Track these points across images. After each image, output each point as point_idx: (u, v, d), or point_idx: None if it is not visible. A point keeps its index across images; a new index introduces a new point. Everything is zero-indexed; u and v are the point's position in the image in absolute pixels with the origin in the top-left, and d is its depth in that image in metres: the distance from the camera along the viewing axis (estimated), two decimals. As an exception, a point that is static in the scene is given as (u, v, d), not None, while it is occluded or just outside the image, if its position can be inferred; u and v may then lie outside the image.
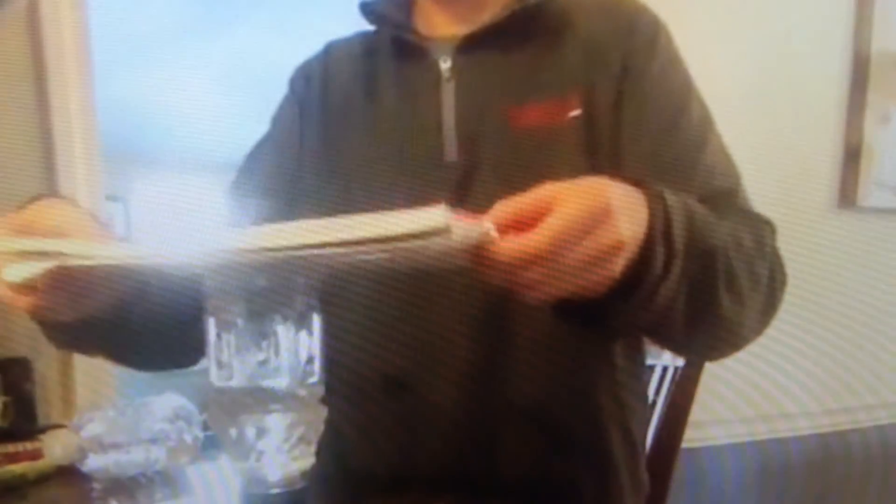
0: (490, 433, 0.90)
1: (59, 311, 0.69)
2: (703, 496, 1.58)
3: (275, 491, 0.64)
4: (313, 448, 0.66)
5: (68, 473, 1.31)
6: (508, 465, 0.91)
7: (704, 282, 0.71)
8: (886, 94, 2.11)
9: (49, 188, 1.75)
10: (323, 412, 0.67)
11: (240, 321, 0.62)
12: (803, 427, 1.81)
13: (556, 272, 0.59)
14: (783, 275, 0.84)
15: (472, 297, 0.87)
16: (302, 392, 0.64)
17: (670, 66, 0.94)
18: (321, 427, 0.67)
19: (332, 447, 0.92)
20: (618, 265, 0.62)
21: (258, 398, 0.63)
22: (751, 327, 0.80)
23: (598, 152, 0.89)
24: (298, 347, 0.64)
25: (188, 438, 1.33)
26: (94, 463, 1.26)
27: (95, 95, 1.81)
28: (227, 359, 0.63)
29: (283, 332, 0.63)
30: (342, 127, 0.98)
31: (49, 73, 1.74)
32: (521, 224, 0.59)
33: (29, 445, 1.44)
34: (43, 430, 1.43)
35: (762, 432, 1.77)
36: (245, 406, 0.63)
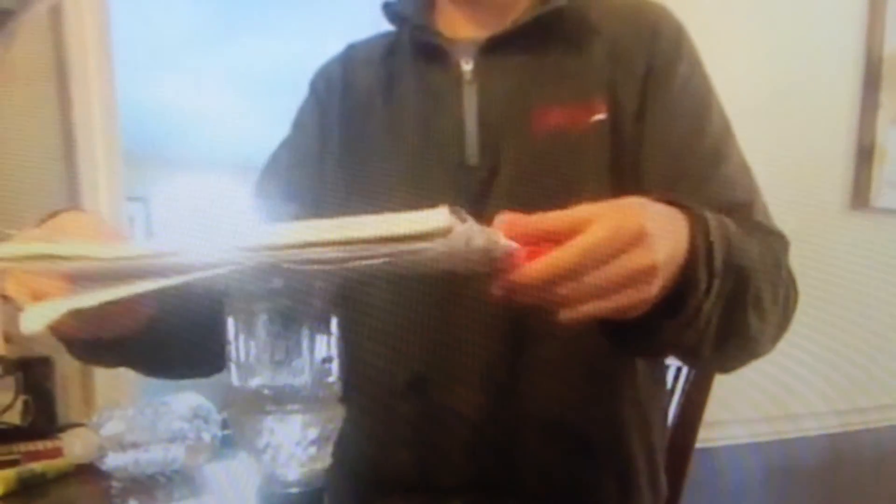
0: (510, 437, 0.90)
1: (82, 331, 0.68)
2: (715, 496, 1.58)
3: (293, 490, 0.64)
4: (331, 448, 0.66)
5: (88, 472, 1.31)
6: (528, 470, 0.91)
7: (736, 301, 0.71)
8: (899, 95, 2.11)
9: (71, 188, 1.76)
10: (341, 411, 0.67)
11: (259, 321, 0.62)
12: (815, 427, 1.80)
13: (586, 292, 0.59)
14: (797, 292, 0.84)
15: (493, 304, 0.85)
16: (320, 392, 0.64)
17: (693, 71, 0.93)
18: (339, 426, 0.67)
19: (352, 448, 0.94)
20: (653, 288, 0.61)
21: (277, 398, 0.63)
22: (766, 342, 0.81)
23: (622, 157, 0.89)
24: (317, 347, 0.64)
25: (206, 437, 1.34)
26: (113, 461, 1.27)
27: (117, 97, 1.82)
28: (247, 359, 0.63)
29: (303, 331, 0.63)
30: (363, 128, 0.98)
31: (71, 75, 1.75)
32: (553, 241, 0.59)
33: (49, 444, 1.44)
34: (63, 429, 1.44)
35: (776, 432, 1.76)
36: (264, 405, 0.63)
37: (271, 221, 0.62)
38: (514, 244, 0.59)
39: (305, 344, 0.64)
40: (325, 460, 0.66)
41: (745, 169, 0.92)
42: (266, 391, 0.63)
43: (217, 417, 1.36)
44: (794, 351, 1.62)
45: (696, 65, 0.94)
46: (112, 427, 1.28)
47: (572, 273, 0.58)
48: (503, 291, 0.60)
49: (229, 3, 2.97)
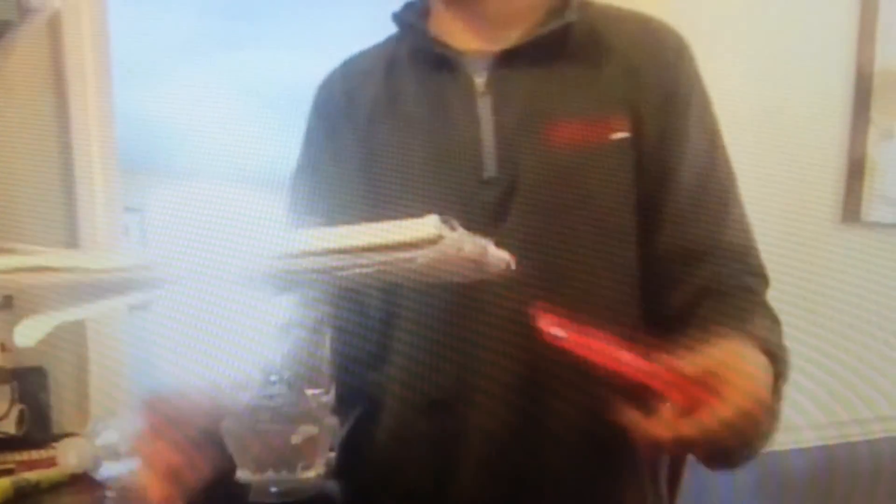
0: (531, 456, 0.89)
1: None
2: (709, 508, 1.58)
3: (284, 501, 0.64)
4: (323, 459, 0.67)
5: (82, 481, 1.31)
6: (548, 487, 0.91)
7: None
8: (889, 110, 2.12)
9: (68, 199, 1.76)
10: (334, 422, 0.68)
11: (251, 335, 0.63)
12: (808, 439, 1.81)
13: (711, 449, 0.69)
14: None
15: (517, 320, 0.85)
16: (312, 404, 0.65)
17: (705, 100, 0.95)
18: (331, 438, 0.68)
19: (372, 463, 0.95)
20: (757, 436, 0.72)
21: (268, 411, 0.64)
22: None
23: (644, 178, 0.90)
24: (308, 360, 0.64)
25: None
26: (108, 471, 1.27)
27: (114, 108, 1.82)
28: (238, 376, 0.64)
29: (294, 344, 0.63)
30: (371, 144, 0.96)
31: (69, 85, 1.75)
32: (686, 389, 0.67)
33: (43, 453, 1.44)
34: (57, 439, 1.44)
35: (770, 444, 1.76)
36: (255, 418, 0.64)
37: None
38: (504, 255, 0.61)
39: (297, 357, 0.64)
40: (317, 470, 0.66)
41: (743, 209, 0.95)
42: (259, 406, 0.64)
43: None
44: (785, 364, 1.62)
45: (704, 92, 0.96)
46: (107, 437, 1.28)
47: (707, 441, 0.67)
48: (648, 444, 0.69)
49: (228, 14, 2.97)
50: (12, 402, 1.61)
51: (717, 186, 0.93)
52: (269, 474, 0.63)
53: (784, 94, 1.92)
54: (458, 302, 0.86)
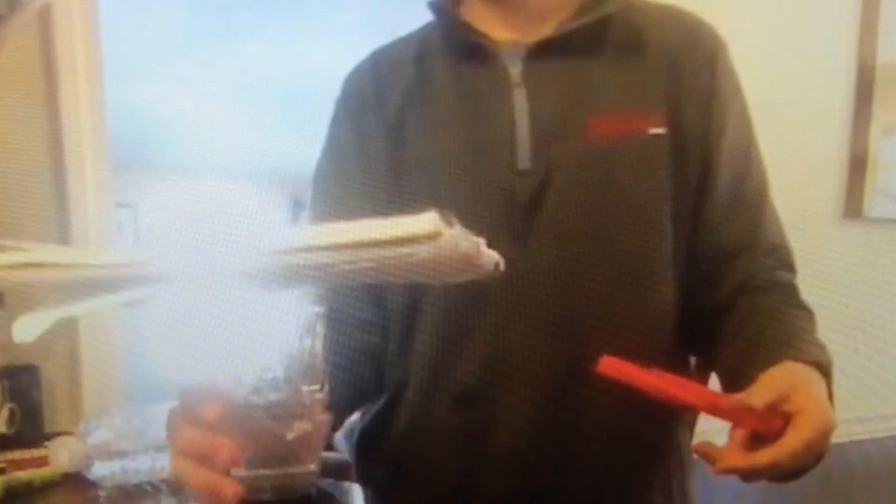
0: (560, 451, 0.90)
1: None
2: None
3: (277, 497, 0.64)
4: (316, 455, 0.66)
5: (75, 481, 1.31)
6: (577, 483, 0.91)
7: None
8: (891, 105, 2.11)
9: (59, 195, 1.75)
10: (328, 419, 0.66)
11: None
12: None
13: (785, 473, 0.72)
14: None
15: (547, 314, 0.87)
16: (307, 400, 0.64)
17: (743, 99, 0.96)
18: (325, 434, 0.66)
19: (402, 455, 0.96)
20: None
21: (266, 408, 0.63)
22: None
23: (683, 174, 0.90)
24: (302, 356, 0.64)
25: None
26: (100, 470, 1.26)
27: (106, 103, 1.81)
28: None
29: (291, 341, 0.63)
30: (402, 134, 0.95)
31: (60, 79, 1.74)
32: (758, 420, 0.70)
33: (35, 452, 1.44)
34: (49, 437, 1.43)
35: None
36: (253, 416, 0.62)
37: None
38: (495, 255, 0.61)
39: (292, 353, 0.63)
40: (311, 466, 0.65)
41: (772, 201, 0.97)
42: (250, 401, 0.63)
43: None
44: (786, 361, 1.61)
45: (740, 89, 0.96)
46: (99, 435, 1.28)
47: (777, 469, 0.70)
48: (723, 473, 0.70)
49: (220, 8, 2.96)
50: (4, 401, 1.61)
51: (753, 184, 0.94)
52: (264, 471, 0.63)
53: (785, 89, 1.91)
54: (486, 294, 0.86)
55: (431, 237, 0.53)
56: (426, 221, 0.53)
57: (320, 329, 0.65)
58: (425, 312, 0.91)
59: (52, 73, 1.75)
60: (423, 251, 0.54)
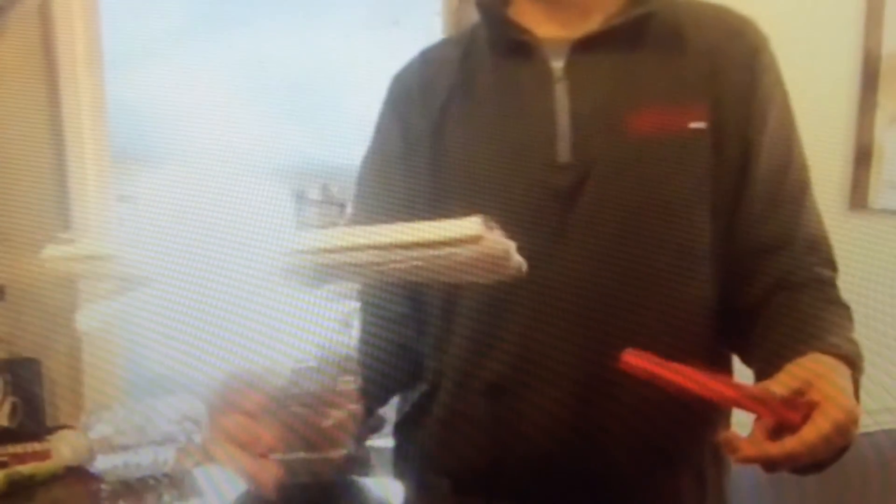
0: (590, 443, 0.90)
1: None
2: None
3: (311, 479, 0.67)
4: (348, 441, 0.68)
5: (77, 474, 1.31)
6: (608, 474, 0.91)
7: None
8: (897, 95, 2.11)
9: (59, 188, 1.75)
10: (360, 410, 0.69)
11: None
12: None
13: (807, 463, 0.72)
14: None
15: (583, 307, 0.88)
16: (343, 390, 0.66)
17: (785, 94, 0.97)
18: (356, 420, 0.69)
19: (428, 445, 0.99)
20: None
21: (304, 397, 0.65)
22: None
23: (723, 169, 0.91)
24: (340, 348, 0.66)
25: (197, 440, 1.33)
26: (102, 464, 1.26)
27: (106, 95, 1.81)
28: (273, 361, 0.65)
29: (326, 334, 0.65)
30: (445, 129, 0.97)
31: (60, 72, 1.74)
32: (780, 410, 0.72)
33: (37, 446, 1.44)
34: (51, 431, 1.44)
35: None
36: (292, 404, 0.65)
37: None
38: (520, 259, 0.63)
39: (327, 345, 0.65)
40: (340, 452, 0.67)
41: (814, 195, 0.97)
42: (289, 389, 0.65)
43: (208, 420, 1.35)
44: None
45: (783, 84, 0.97)
46: (101, 429, 1.28)
47: (803, 456, 0.70)
48: (742, 462, 0.72)
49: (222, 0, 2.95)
50: (5, 395, 1.60)
51: (793, 179, 0.95)
52: (300, 455, 0.65)
53: (790, 79, 1.90)
54: (521, 287, 0.84)
55: (474, 240, 0.56)
56: (470, 225, 0.57)
57: (355, 323, 0.67)
58: (461, 306, 0.93)
59: (53, 65, 1.74)
60: (464, 253, 0.57)
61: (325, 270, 0.60)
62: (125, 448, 1.27)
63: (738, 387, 0.75)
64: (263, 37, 3.21)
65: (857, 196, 2.09)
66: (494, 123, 0.95)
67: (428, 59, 1.05)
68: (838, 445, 0.73)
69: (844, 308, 0.92)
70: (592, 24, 0.94)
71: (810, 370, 0.75)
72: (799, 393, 0.72)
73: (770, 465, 0.71)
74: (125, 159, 1.90)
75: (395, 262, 0.57)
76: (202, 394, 0.70)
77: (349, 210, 1.06)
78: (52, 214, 1.76)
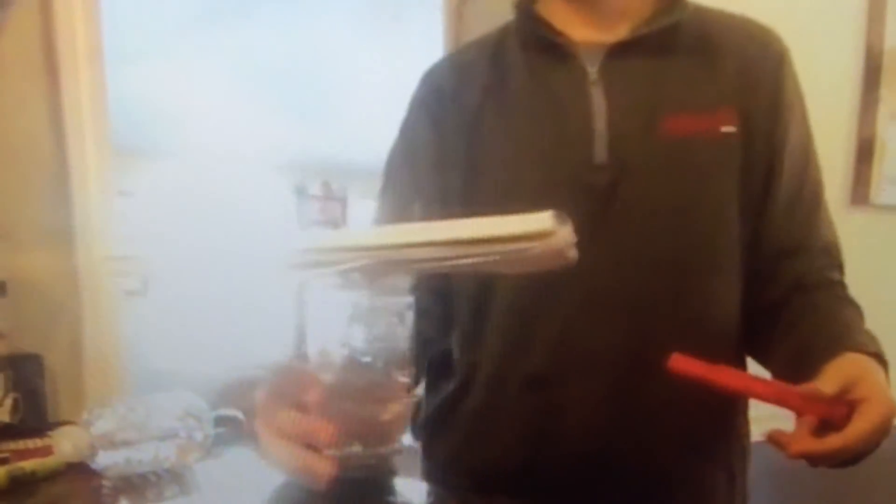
0: (626, 436, 0.92)
1: None
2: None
3: (369, 476, 0.66)
4: (402, 435, 0.67)
5: (78, 470, 1.31)
6: (646, 469, 0.94)
7: None
8: (899, 90, 2.10)
9: (60, 182, 1.75)
10: (412, 403, 0.69)
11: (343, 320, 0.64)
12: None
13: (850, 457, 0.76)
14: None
15: (616, 305, 0.91)
16: (397, 384, 0.66)
17: (802, 101, 1.00)
18: (409, 416, 0.68)
19: (465, 438, 1.01)
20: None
21: (359, 391, 0.64)
22: None
23: (751, 172, 0.94)
24: (395, 343, 0.65)
25: (198, 436, 1.33)
26: (104, 460, 1.26)
27: (107, 89, 1.81)
28: (327, 355, 0.64)
29: (382, 328, 0.64)
30: (480, 130, 0.99)
31: (61, 66, 1.74)
32: (826, 408, 0.75)
33: (39, 442, 1.44)
34: (53, 427, 1.43)
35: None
36: (346, 398, 0.64)
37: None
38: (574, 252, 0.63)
39: (383, 339, 0.65)
40: (394, 446, 0.66)
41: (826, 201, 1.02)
42: (344, 383, 0.64)
43: (209, 415, 1.35)
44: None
45: (801, 93, 1.00)
46: (103, 425, 1.27)
47: (845, 453, 0.75)
48: (796, 457, 0.75)
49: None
50: (7, 390, 1.60)
51: (811, 184, 0.99)
52: (356, 450, 0.64)
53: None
54: (556, 283, 0.88)
55: (545, 235, 0.56)
56: (543, 221, 0.56)
57: (410, 317, 0.66)
58: (498, 300, 0.95)
59: (53, 57, 1.74)
60: (535, 249, 0.56)
61: (387, 267, 0.61)
62: (127, 444, 1.27)
63: (785, 387, 0.78)
64: (264, 32, 3.21)
65: (859, 192, 2.08)
66: (531, 124, 0.97)
67: (459, 61, 1.08)
68: (880, 440, 0.76)
69: (857, 307, 0.95)
70: (623, 29, 0.96)
71: (852, 371, 0.78)
72: (844, 391, 0.76)
73: (821, 458, 0.75)
74: (126, 153, 1.90)
75: (459, 258, 0.57)
76: (260, 383, 0.69)
77: (375, 208, 1.06)
78: (53, 209, 1.76)
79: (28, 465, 1.29)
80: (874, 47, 2.07)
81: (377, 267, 0.60)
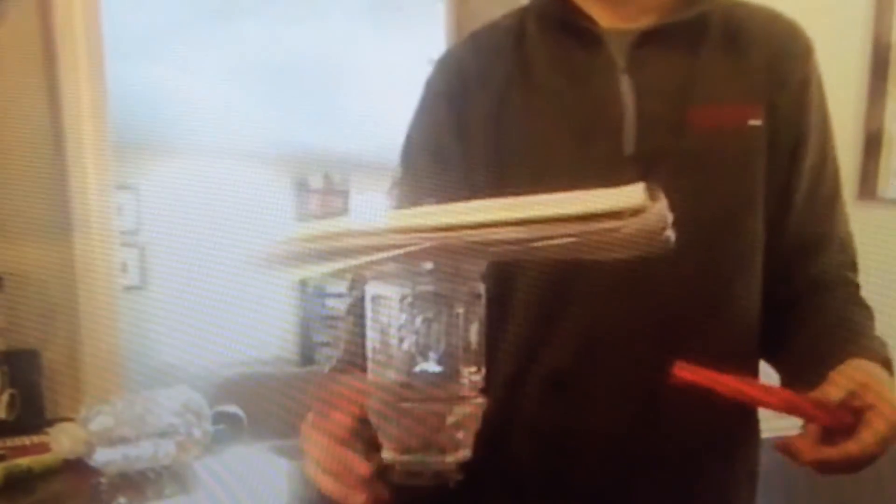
0: (652, 435, 0.91)
1: None
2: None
3: (432, 483, 0.63)
4: (471, 440, 0.64)
5: (76, 467, 1.30)
6: (671, 467, 0.92)
7: None
8: (907, 83, 2.09)
9: (58, 176, 1.74)
10: (483, 402, 0.65)
11: (403, 312, 0.61)
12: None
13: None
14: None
15: (640, 301, 0.89)
16: (465, 383, 0.63)
17: (823, 97, 1.00)
18: (479, 419, 0.65)
19: (489, 442, 0.97)
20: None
21: (423, 391, 0.62)
22: None
23: (776, 165, 0.94)
24: (461, 335, 0.62)
25: (197, 433, 1.32)
26: (101, 457, 1.25)
27: (107, 82, 1.80)
28: (386, 349, 0.62)
29: (447, 320, 0.61)
30: (505, 117, 0.97)
31: (60, 60, 1.74)
32: (832, 416, 0.75)
33: (36, 439, 1.44)
34: (50, 424, 1.43)
35: (773, 430, 1.75)
36: (409, 399, 0.61)
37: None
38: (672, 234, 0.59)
39: (450, 332, 0.62)
40: (465, 452, 0.64)
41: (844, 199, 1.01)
42: (406, 382, 0.62)
43: (208, 412, 1.34)
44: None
45: (823, 88, 1.00)
46: (101, 422, 1.27)
47: (852, 463, 0.75)
48: (807, 465, 0.76)
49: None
50: (4, 387, 1.60)
51: (830, 181, 0.99)
52: (418, 456, 0.62)
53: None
54: (579, 278, 0.88)
55: (637, 212, 0.52)
56: (633, 194, 0.52)
57: (479, 310, 0.63)
58: (517, 294, 0.93)
59: (52, 52, 1.74)
60: (627, 227, 0.52)
61: (456, 251, 0.57)
62: (125, 441, 1.26)
63: (792, 395, 0.78)
64: (265, 24, 3.19)
65: (866, 186, 2.07)
66: (559, 112, 0.95)
67: (479, 45, 1.05)
68: (886, 449, 0.75)
69: (869, 310, 0.95)
70: (651, 18, 0.95)
71: (858, 379, 0.78)
72: (850, 398, 0.76)
73: (828, 467, 0.75)
74: (127, 147, 1.89)
75: (539, 239, 0.53)
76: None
77: (390, 197, 1.04)
78: (51, 204, 1.75)
79: (25, 461, 1.28)
80: (882, 41, 2.07)
81: (444, 251, 0.56)
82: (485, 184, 0.95)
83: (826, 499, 1.93)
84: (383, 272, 0.61)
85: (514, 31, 1.01)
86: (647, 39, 0.94)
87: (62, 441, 1.32)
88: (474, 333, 0.62)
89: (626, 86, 0.92)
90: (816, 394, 0.76)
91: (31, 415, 1.62)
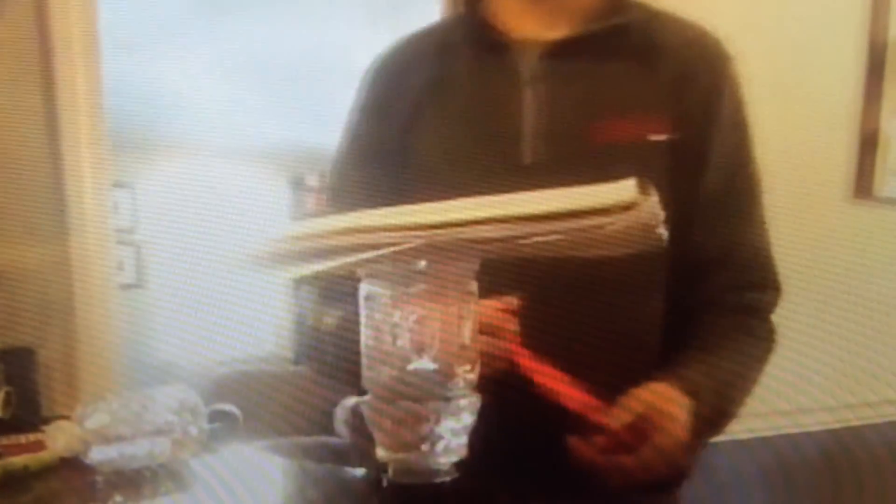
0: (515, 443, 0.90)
1: None
2: (715, 492, 1.57)
3: (427, 482, 0.63)
4: (465, 439, 0.65)
5: (72, 465, 1.29)
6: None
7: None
8: (903, 83, 2.10)
9: (54, 174, 1.75)
10: (477, 401, 0.66)
11: (396, 310, 0.61)
12: (818, 422, 1.80)
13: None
14: (774, 341, 0.99)
15: (539, 313, 0.87)
16: (459, 381, 0.63)
17: (741, 108, 0.98)
18: (474, 418, 0.66)
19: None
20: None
21: (417, 388, 0.62)
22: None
23: (680, 181, 0.92)
24: (457, 334, 0.62)
25: (193, 431, 1.31)
26: (97, 455, 1.25)
27: (102, 80, 1.80)
28: (379, 346, 0.62)
29: (441, 318, 0.62)
30: (419, 129, 0.98)
31: (56, 56, 1.74)
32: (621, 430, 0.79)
33: (31, 437, 1.43)
34: (46, 421, 1.42)
35: (773, 427, 1.75)
36: (403, 396, 0.62)
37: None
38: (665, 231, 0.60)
39: (443, 330, 0.62)
40: (457, 452, 0.65)
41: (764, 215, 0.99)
42: (400, 380, 0.62)
43: (204, 410, 1.34)
44: (793, 345, 1.59)
45: (742, 100, 0.99)
46: (97, 420, 1.26)
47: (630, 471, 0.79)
48: (585, 464, 0.80)
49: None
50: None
51: (740, 195, 0.97)
52: (411, 454, 0.62)
53: (795, 67, 1.90)
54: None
55: (628, 207, 0.52)
56: (624, 190, 0.53)
57: (473, 308, 0.63)
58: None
59: (48, 48, 1.74)
60: (617, 222, 0.53)
61: (447, 248, 0.58)
62: (121, 439, 1.26)
63: (593, 401, 0.81)
64: (262, 22, 3.19)
65: (862, 185, 2.09)
66: (462, 123, 0.96)
67: (403, 52, 1.05)
68: (663, 471, 0.80)
69: (762, 341, 0.97)
70: (566, 27, 0.95)
71: (652, 399, 0.82)
72: (635, 424, 0.80)
73: (602, 473, 0.80)
74: (123, 145, 1.89)
75: (528, 236, 0.54)
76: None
77: (324, 196, 1.05)
78: (46, 201, 1.75)
79: (20, 460, 1.28)
80: (878, 41, 2.08)
81: (434, 248, 0.57)
82: (394, 188, 0.95)
83: (826, 499, 1.94)
84: (377, 271, 0.61)
85: (439, 38, 1.02)
86: (555, 51, 0.94)
87: (58, 439, 1.31)
88: (468, 331, 0.62)
89: (527, 96, 0.93)
90: (609, 415, 0.80)
91: (27, 413, 1.62)
